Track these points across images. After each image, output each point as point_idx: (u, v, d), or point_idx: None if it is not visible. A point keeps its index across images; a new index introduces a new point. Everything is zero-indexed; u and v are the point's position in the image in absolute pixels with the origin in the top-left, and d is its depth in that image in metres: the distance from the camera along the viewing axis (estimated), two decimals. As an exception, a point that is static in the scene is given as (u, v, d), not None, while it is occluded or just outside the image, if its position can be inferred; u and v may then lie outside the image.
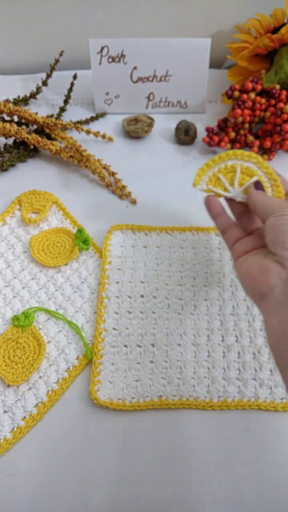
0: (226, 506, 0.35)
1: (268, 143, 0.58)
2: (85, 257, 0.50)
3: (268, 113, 0.57)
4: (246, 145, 0.61)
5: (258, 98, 0.57)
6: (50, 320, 0.45)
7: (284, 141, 0.59)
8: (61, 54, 0.63)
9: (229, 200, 0.40)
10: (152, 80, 0.64)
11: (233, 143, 0.61)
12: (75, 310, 0.46)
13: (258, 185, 0.38)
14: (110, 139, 0.63)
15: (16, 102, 0.65)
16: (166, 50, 0.62)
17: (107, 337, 0.43)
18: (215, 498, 0.36)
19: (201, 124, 0.65)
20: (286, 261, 0.31)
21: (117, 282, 0.47)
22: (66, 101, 0.65)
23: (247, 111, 0.57)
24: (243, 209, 0.40)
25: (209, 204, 0.40)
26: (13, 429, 0.38)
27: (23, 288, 0.47)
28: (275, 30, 0.60)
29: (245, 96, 0.57)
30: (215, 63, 0.72)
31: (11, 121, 0.60)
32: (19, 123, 0.61)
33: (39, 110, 0.67)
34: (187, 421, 0.39)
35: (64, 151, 0.57)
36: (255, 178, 0.38)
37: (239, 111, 0.56)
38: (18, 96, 0.66)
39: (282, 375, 0.31)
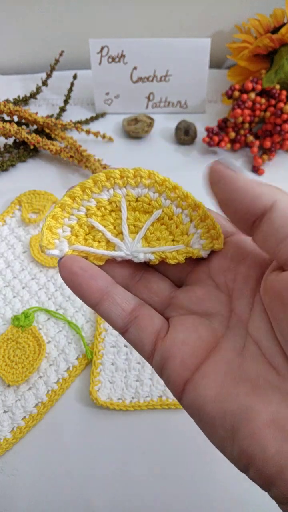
0: (228, 505, 0.35)
1: (268, 143, 0.58)
2: (85, 257, 0.50)
3: (268, 113, 0.57)
4: (246, 145, 0.61)
5: (258, 98, 0.57)
6: (50, 320, 0.45)
7: (284, 141, 0.59)
8: (61, 54, 0.63)
9: (113, 264, 0.22)
10: (152, 80, 0.64)
11: (233, 143, 0.61)
12: (75, 310, 0.46)
13: (222, 162, 0.18)
14: (110, 139, 0.63)
15: (16, 102, 0.65)
16: (166, 50, 0.62)
17: (107, 337, 0.43)
18: (217, 497, 0.36)
19: (201, 124, 0.65)
20: None
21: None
22: (66, 101, 0.65)
23: (247, 111, 0.57)
24: (144, 271, 0.22)
25: (77, 282, 0.20)
26: (13, 429, 0.38)
27: (23, 288, 0.47)
28: (275, 30, 0.60)
29: (245, 96, 0.57)
30: (215, 63, 0.72)
31: (11, 121, 0.60)
32: (19, 123, 0.61)
33: (39, 110, 0.67)
34: (187, 421, 0.39)
35: (64, 151, 0.57)
36: (158, 213, 0.22)
37: (239, 111, 0.56)
38: (18, 96, 0.66)
39: None
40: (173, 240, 0.22)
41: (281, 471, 0.15)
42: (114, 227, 0.22)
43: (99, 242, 0.22)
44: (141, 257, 0.22)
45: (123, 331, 0.21)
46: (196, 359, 0.19)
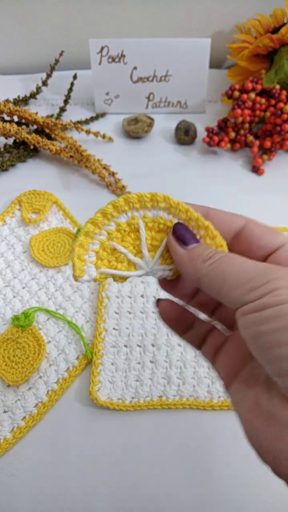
0: (228, 505, 0.35)
1: (268, 143, 0.58)
2: (85, 257, 0.50)
3: (268, 113, 0.57)
4: (246, 145, 0.61)
5: (258, 98, 0.57)
6: (50, 320, 0.45)
7: (284, 141, 0.59)
8: (61, 54, 0.63)
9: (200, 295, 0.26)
10: (152, 80, 0.64)
11: (233, 143, 0.61)
12: (75, 310, 0.46)
13: (181, 230, 0.23)
14: (110, 139, 0.63)
15: (16, 102, 0.65)
16: (166, 50, 0.62)
17: (107, 337, 0.43)
18: (217, 497, 0.36)
19: (201, 124, 0.65)
20: None
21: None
22: (66, 101, 0.65)
23: (247, 111, 0.57)
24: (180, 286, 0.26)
25: (164, 321, 0.26)
26: (13, 429, 0.38)
27: (23, 288, 0.47)
28: (275, 30, 0.60)
29: (245, 96, 0.57)
30: (215, 63, 0.72)
31: (11, 121, 0.60)
32: (19, 123, 0.61)
33: (39, 110, 0.67)
34: (187, 421, 0.39)
35: (64, 151, 0.57)
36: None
37: (239, 111, 0.56)
38: (18, 96, 0.66)
39: None
40: None
41: (259, 444, 0.20)
42: (134, 247, 0.24)
43: (122, 262, 0.24)
44: (159, 274, 0.24)
45: (198, 349, 0.26)
46: (240, 368, 0.23)
